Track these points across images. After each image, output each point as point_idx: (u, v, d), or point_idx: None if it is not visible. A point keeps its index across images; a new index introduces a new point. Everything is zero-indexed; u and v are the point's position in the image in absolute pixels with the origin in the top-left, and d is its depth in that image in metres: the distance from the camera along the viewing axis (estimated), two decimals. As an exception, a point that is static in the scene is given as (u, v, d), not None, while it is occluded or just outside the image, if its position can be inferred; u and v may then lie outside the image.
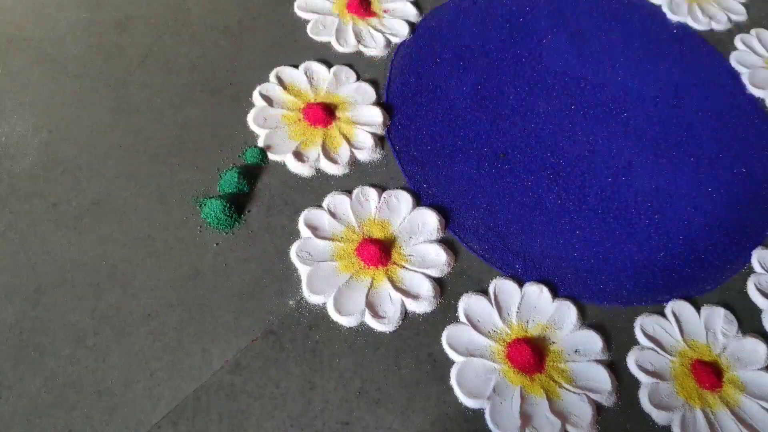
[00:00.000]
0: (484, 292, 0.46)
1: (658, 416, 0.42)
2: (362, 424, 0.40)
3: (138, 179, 0.50)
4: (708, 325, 0.46)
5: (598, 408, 0.42)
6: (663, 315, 0.47)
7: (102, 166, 0.51)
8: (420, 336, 0.44)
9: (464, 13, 0.65)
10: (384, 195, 0.50)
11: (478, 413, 0.41)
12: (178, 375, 0.41)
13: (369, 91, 0.57)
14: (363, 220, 0.49)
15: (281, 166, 0.52)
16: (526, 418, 0.40)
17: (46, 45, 0.58)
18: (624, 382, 0.43)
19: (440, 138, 0.55)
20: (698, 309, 0.47)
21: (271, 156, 0.52)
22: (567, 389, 0.42)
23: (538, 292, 0.47)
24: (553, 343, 0.44)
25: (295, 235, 0.48)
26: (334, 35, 0.61)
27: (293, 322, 0.44)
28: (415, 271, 0.47)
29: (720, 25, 0.68)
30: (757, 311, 0.48)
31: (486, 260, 0.48)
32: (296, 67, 0.58)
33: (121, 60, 0.58)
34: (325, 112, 0.54)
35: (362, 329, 0.44)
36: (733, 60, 0.65)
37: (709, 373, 0.43)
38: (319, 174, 0.52)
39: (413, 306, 0.45)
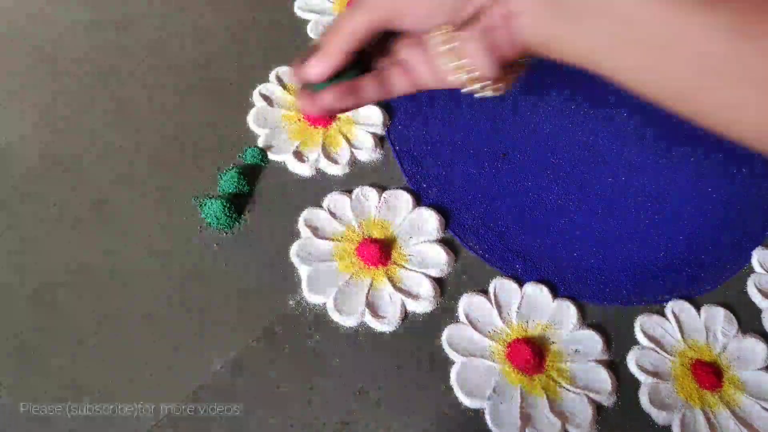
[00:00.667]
0: (484, 292, 0.47)
1: (658, 416, 0.42)
2: (362, 424, 0.40)
3: (138, 179, 0.50)
4: (708, 325, 0.46)
5: (598, 408, 0.42)
6: (663, 315, 0.47)
7: (102, 167, 0.51)
8: (420, 336, 0.44)
9: (464, 13, 0.65)
10: (384, 195, 0.50)
11: (478, 413, 0.41)
12: (178, 375, 0.41)
13: (369, 91, 0.57)
14: (363, 220, 0.49)
15: (281, 166, 0.52)
16: (526, 418, 0.40)
17: (46, 45, 0.58)
18: (624, 382, 0.43)
19: (440, 138, 0.55)
20: (698, 309, 0.47)
21: (271, 156, 0.52)
22: (567, 389, 0.42)
23: (538, 292, 0.47)
24: (553, 343, 0.44)
25: (295, 235, 0.48)
26: (334, 35, 0.61)
27: (293, 322, 0.44)
28: (415, 271, 0.47)
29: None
30: (757, 311, 0.48)
31: (486, 260, 0.48)
32: (296, 67, 0.58)
33: (121, 60, 0.58)
34: (325, 112, 0.54)
35: (362, 329, 0.44)
36: (733, 60, 0.65)
37: (709, 373, 0.43)
38: (319, 174, 0.52)
39: (413, 306, 0.45)
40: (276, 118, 0.54)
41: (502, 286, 0.47)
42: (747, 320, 0.47)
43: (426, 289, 0.46)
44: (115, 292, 0.44)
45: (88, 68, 0.57)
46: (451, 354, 0.43)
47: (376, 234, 0.48)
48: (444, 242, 0.49)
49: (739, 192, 0.55)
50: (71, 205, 0.48)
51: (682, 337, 0.46)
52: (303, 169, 0.51)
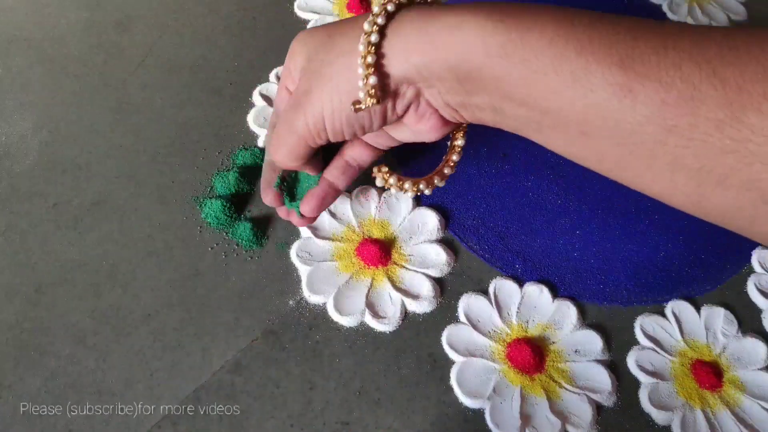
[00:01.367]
0: (484, 292, 0.47)
1: (658, 416, 0.42)
2: (362, 424, 0.40)
3: (138, 179, 0.50)
4: (708, 325, 0.46)
5: (598, 408, 0.42)
6: (663, 315, 0.47)
7: (102, 166, 0.51)
8: (420, 336, 0.44)
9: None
10: (384, 195, 0.50)
11: (478, 413, 0.41)
12: (178, 375, 0.41)
13: (369, 91, 0.57)
14: (363, 220, 0.49)
15: (281, 166, 0.52)
16: (526, 418, 0.40)
17: (46, 45, 0.58)
18: (624, 382, 0.43)
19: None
20: (698, 309, 0.47)
21: (271, 156, 0.52)
22: (567, 389, 0.42)
23: (538, 292, 0.47)
24: (553, 343, 0.44)
25: (295, 235, 0.48)
26: (334, 35, 0.61)
27: (293, 322, 0.44)
28: (415, 271, 0.47)
29: (720, 25, 0.68)
30: (757, 311, 0.48)
31: (486, 260, 0.48)
32: (296, 67, 0.58)
33: (121, 60, 0.58)
34: (325, 112, 0.54)
35: (362, 329, 0.44)
36: (733, 60, 0.65)
37: (709, 373, 0.43)
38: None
39: (413, 306, 0.45)
40: (276, 118, 0.54)
41: (502, 286, 0.47)
42: (747, 320, 0.47)
43: (426, 289, 0.46)
44: (115, 292, 0.44)
45: (88, 68, 0.57)
46: (451, 354, 0.43)
47: (376, 234, 0.48)
48: (444, 242, 0.49)
49: (739, 192, 0.55)
50: (71, 204, 0.48)
51: (682, 337, 0.46)
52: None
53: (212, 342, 0.43)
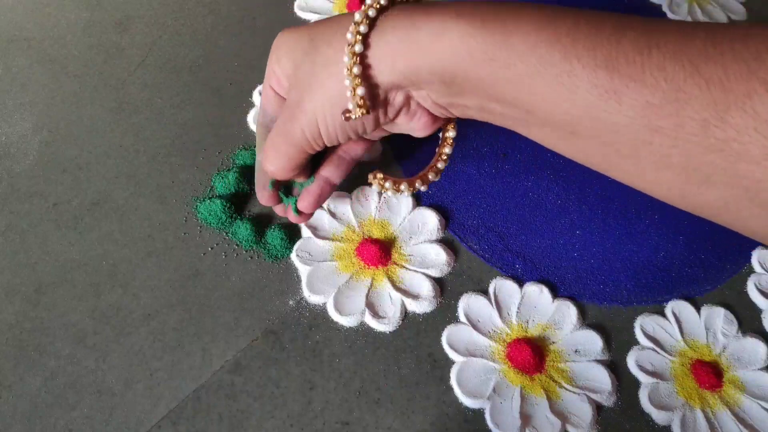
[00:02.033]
0: (484, 292, 0.47)
1: (658, 416, 0.42)
2: (362, 424, 0.40)
3: (138, 179, 0.50)
4: (708, 325, 0.46)
5: (598, 408, 0.42)
6: (663, 315, 0.47)
7: (102, 166, 0.51)
8: (420, 336, 0.44)
9: (464, 13, 0.65)
10: (384, 195, 0.50)
11: (478, 413, 0.41)
12: (178, 375, 0.41)
13: (369, 91, 0.57)
14: (363, 220, 0.49)
15: (281, 166, 0.52)
16: (526, 418, 0.40)
17: (46, 45, 0.58)
18: (624, 382, 0.43)
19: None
20: (698, 309, 0.47)
21: (271, 156, 0.52)
22: (567, 389, 0.42)
23: (538, 292, 0.47)
24: (553, 343, 0.44)
25: (295, 234, 0.48)
26: (334, 35, 0.61)
27: (293, 322, 0.44)
28: (415, 271, 0.47)
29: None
30: (757, 311, 0.48)
31: (486, 260, 0.48)
32: (296, 67, 0.58)
33: (121, 60, 0.58)
34: (325, 112, 0.54)
35: (362, 329, 0.44)
36: (733, 60, 0.65)
37: (709, 373, 0.43)
38: (319, 174, 0.52)
39: (413, 306, 0.45)
40: (276, 118, 0.54)
41: (502, 286, 0.47)
42: (747, 320, 0.47)
43: (426, 289, 0.46)
44: (115, 292, 0.44)
45: (88, 68, 0.57)
46: (451, 354, 0.43)
47: (376, 234, 0.48)
48: (444, 242, 0.49)
49: (739, 192, 0.55)
50: (71, 204, 0.48)
51: (682, 337, 0.46)
52: (303, 169, 0.51)
53: (212, 342, 0.43)
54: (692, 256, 0.50)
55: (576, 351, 0.44)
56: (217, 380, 0.41)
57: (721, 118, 0.24)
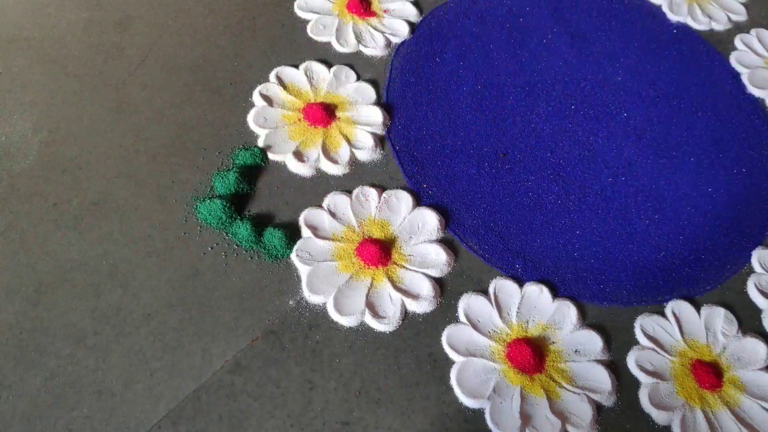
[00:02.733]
0: (484, 292, 0.46)
1: (658, 416, 0.42)
2: (362, 424, 0.40)
3: (138, 179, 0.50)
4: (708, 325, 0.46)
5: (598, 408, 0.42)
6: (663, 315, 0.47)
7: (102, 166, 0.51)
8: (420, 336, 0.44)
9: (464, 14, 0.65)
10: (384, 195, 0.50)
11: (478, 413, 0.41)
12: (178, 375, 0.41)
13: (369, 91, 0.57)
14: (363, 220, 0.49)
15: (281, 166, 0.52)
16: (526, 418, 0.40)
17: (46, 45, 0.58)
18: (624, 382, 0.43)
19: (440, 138, 0.55)
20: (698, 309, 0.47)
21: (271, 156, 0.52)
22: (567, 389, 0.42)
23: (538, 292, 0.47)
24: (553, 343, 0.44)
25: (296, 235, 0.48)
26: (334, 35, 0.61)
27: (293, 322, 0.44)
28: (415, 271, 0.47)
29: (720, 25, 0.68)
30: (757, 311, 0.48)
31: (486, 260, 0.48)
32: (296, 67, 0.58)
33: (121, 60, 0.58)
34: (325, 112, 0.54)
35: (362, 329, 0.44)
36: (733, 60, 0.65)
37: (709, 373, 0.43)
38: (319, 174, 0.52)
39: (413, 306, 0.45)
40: (276, 118, 0.54)
41: (502, 286, 0.47)
42: (747, 320, 0.47)
43: (426, 289, 0.46)
44: (115, 292, 0.44)
45: (88, 68, 0.57)
46: (451, 354, 0.43)
47: (376, 234, 0.48)
48: (444, 242, 0.49)
49: (739, 192, 0.55)
50: (71, 204, 0.48)
51: (682, 337, 0.46)
52: (303, 169, 0.51)
53: (212, 342, 0.43)
54: (692, 256, 0.50)
55: (576, 351, 0.44)
56: (217, 380, 0.41)
57: None
